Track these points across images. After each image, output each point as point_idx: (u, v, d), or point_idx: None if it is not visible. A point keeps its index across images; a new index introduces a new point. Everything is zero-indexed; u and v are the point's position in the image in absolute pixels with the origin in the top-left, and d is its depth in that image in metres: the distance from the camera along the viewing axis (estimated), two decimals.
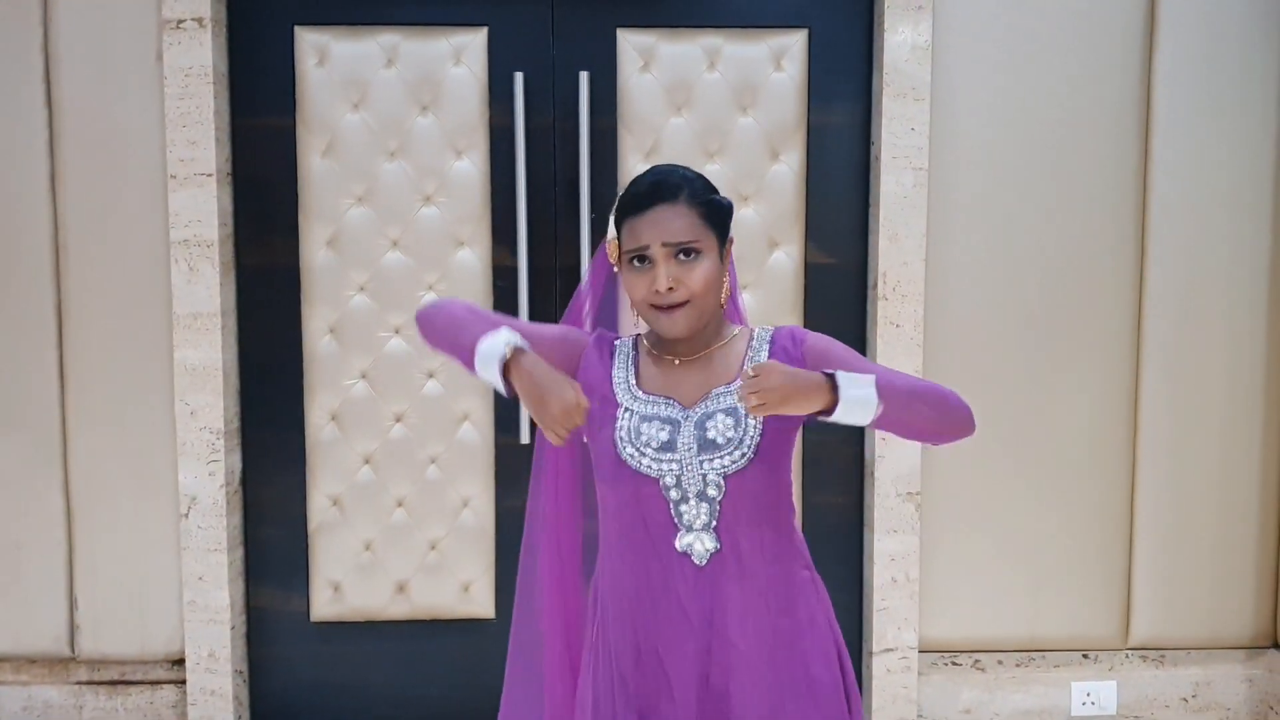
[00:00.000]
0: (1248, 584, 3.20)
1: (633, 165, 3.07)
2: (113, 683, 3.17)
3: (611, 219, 1.79)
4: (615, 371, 1.81)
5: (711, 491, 1.71)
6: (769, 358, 1.76)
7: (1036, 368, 3.14)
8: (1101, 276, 3.12)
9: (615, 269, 1.80)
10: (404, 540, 3.17)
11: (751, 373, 1.58)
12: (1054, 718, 3.20)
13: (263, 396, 3.15)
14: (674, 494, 1.72)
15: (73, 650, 3.16)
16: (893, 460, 3.09)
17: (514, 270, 3.06)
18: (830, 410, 1.62)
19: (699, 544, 1.72)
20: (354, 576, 3.17)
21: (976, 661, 3.20)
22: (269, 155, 3.09)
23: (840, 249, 3.15)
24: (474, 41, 3.04)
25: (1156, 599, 3.19)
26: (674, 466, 1.71)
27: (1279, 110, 3.09)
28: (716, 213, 1.76)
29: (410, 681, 3.22)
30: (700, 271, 1.71)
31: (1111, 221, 3.11)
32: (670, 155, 3.05)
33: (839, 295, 3.16)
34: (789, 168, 3.10)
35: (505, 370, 1.70)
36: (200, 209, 3.01)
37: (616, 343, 1.86)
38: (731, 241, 1.80)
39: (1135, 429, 3.16)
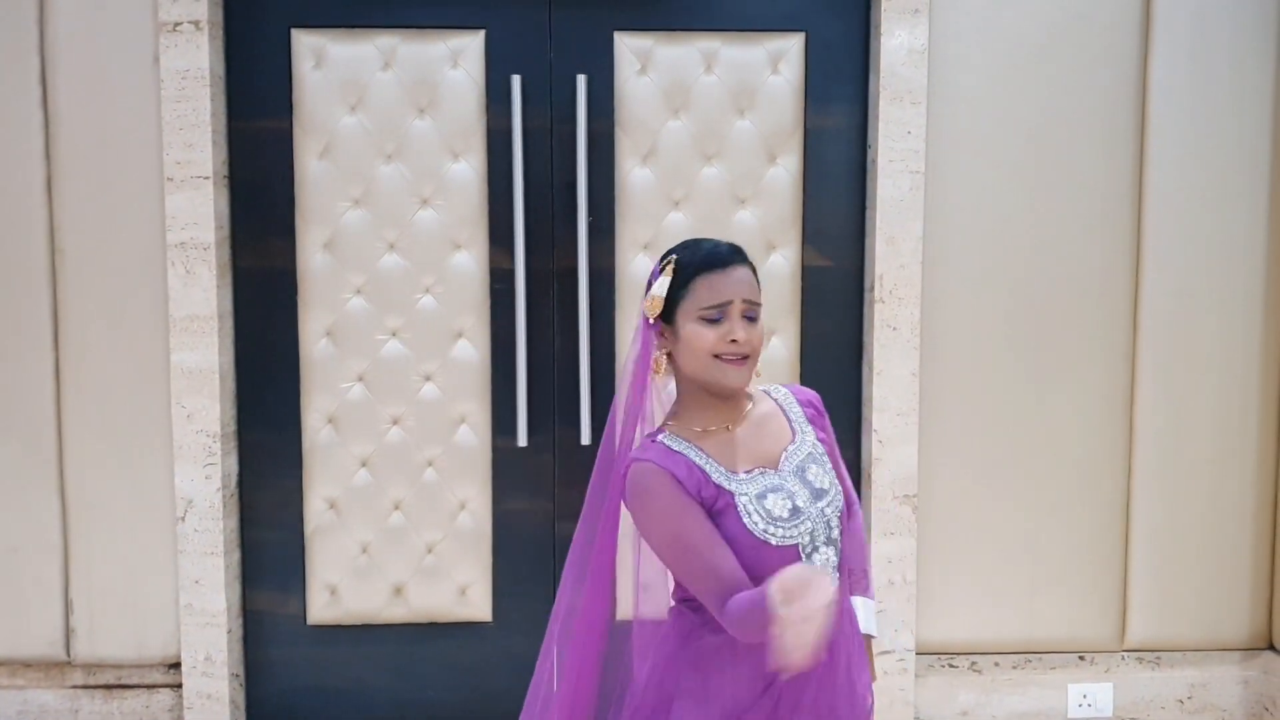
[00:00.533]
0: (1243, 586, 3.21)
1: (630, 168, 3.07)
2: (109, 686, 3.16)
3: (667, 275, 1.85)
4: (705, 469, 1.82)
5: (835, 534, 1.86)
6: (797, 406, 1.96)
7: (1032, 370, 3.14)
8: (1097, 279, 3.13)
9: (651, 321, 1.87)
10: (401, 543, 3.16)
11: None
12: (1051, 719, 3.21)
13: (259, 399, 3.15)
14: (808, 549, 1.83)
15: (68, 654, 3.15)
16: (890, 463, 3.10)
17: (511, 273, 3.06)
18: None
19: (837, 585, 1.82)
20: (351, 579, 3.17)
21: (973, 664, 3.20)
22: (266, 158, 3.08)
23: (837, 252, 3.15)
24: (471, 44, 3.05)
25: (1152, 601, 3.20)
26: (807, 526, 1.82)
27: (1274, 110, 3.11)
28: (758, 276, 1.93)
29: (407, 685, 3.21)
30: (760, 333, 1.86)
31: (1107, 224, 3.12)
32: (668, 158, 3.06)
33: (836, 298, 3.16)
34: (786, 171, 3.11)
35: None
36: (197, 211, 3.00)
37: (673, 446, 1.84)
38: None
39: (1131, 432, 3.16)
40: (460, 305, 3.10)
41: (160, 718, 3.16)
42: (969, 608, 3.18)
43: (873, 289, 3.09)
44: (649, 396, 1.96)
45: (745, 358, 1.84)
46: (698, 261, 1.86)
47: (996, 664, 3.21)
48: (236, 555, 3.16)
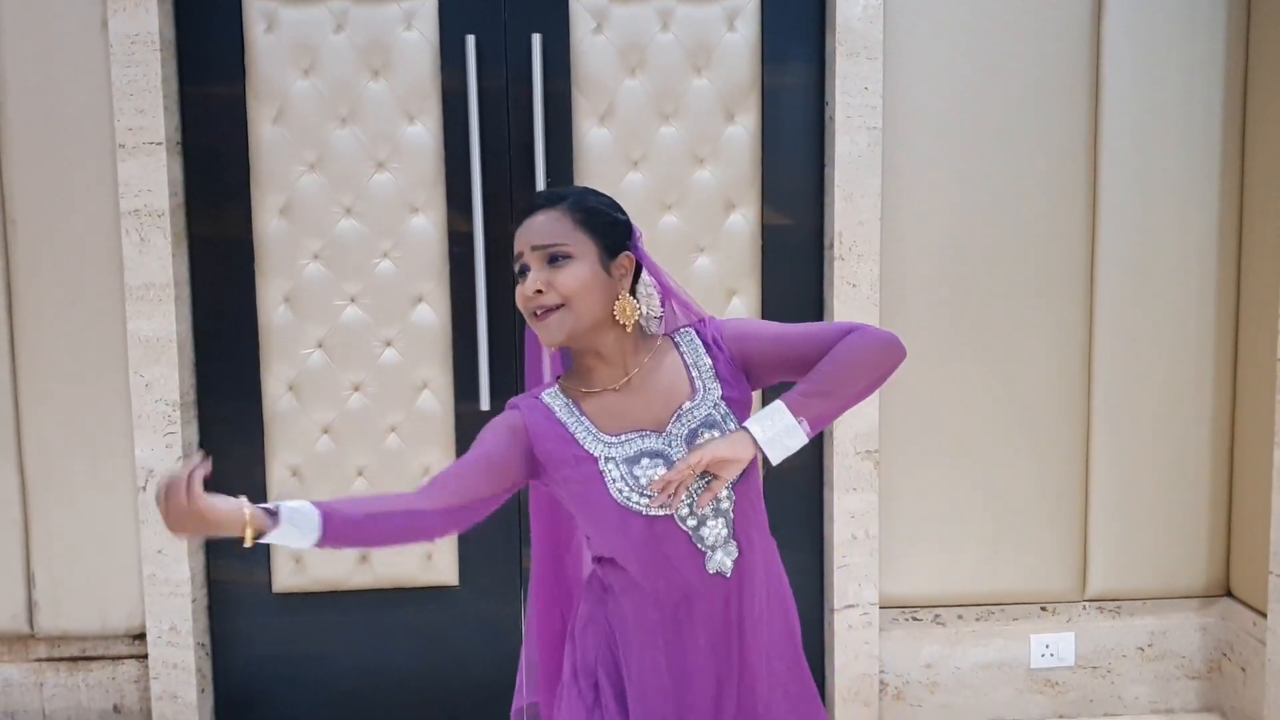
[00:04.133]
0: (1200, 535, 3.25)
1: (587, 129, 3.06)
2: (73, 659, 3.15)
3: None
4: (571, 428, 1.76)
5: (724, 505, 1.76)
6: (706, 357, 1.79)
7: (991, 326, 3.16)
8: (1055, 233, 3.15)
9: None
10: None
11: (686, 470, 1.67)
12: (1014, 670, 3.25)
13: (218, 368, 3.13)
14: (691, 522, 1.74)
15: (31, 628, 3.13)
16: (851, 419, 3.11)
17: (470, 236, 3.05)
18: (754, 452, 1.72)
19: (726, 559, 1.77)
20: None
21: (937, 616, 3.24)
22: (219, 123, 3.05)
23: (796, 210, 3.15)
24: (425, 5, 3.02)
25: (1112, 551, 3.23)
26: (684, 497, 1.72)
27: (1226, 69, 3.12)
28: (596, 222, 1.76)
29: (374, 651, 3.22)
30: (570, 274, 1.71)
31: (1064, 178, 3.13)
32: (625, 118, 3.05)
33: (796, 257, 3.17)
34: (744, 129, 3.10)
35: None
36: (150, 179, 2.97)
37: (546, 401, 1.79)
38: (627, 259, 1.79)
39: (1089, 384, 3.19)
40: (419, 270, 3.09)
41: (126, 689, 3.15)
42: (932, 561, 3.21)
43: (832, 246, 3.10)
44: (545, 363, 1.91)
45: (556, 308, 1.71)
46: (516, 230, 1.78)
47: (960, 616, 3.24)
48: None
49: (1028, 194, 3.13)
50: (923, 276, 3.14)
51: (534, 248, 1.73)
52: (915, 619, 3.23)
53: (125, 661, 3.15)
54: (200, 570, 3.14)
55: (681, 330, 1.84)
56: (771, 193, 3.13)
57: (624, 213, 1.83)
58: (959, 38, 3.07)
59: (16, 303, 3.03)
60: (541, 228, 1.74)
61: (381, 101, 3.03)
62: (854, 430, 3.11)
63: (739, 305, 3.14)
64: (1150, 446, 3.22)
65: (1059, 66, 3.10)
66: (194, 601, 3.10)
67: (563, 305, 1.71)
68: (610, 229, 1.78)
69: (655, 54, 3.05)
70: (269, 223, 3.06)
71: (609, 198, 1.83)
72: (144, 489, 3.04)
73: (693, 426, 1.76)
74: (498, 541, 3.17)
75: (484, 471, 1.72)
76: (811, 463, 3.21)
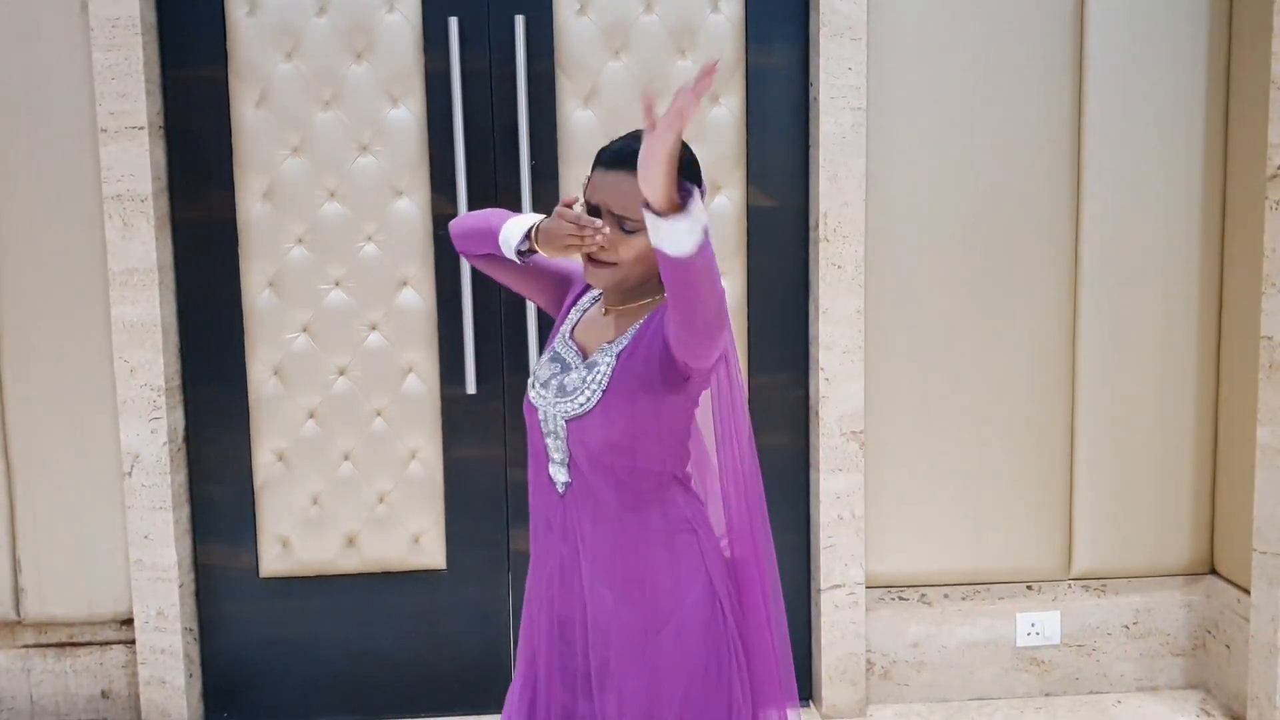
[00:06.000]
0: (1185, 513, 3.27)
1: (571, 110, 3.05)
2: (61, 645, 3.14)
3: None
4: (572, 313, 1.95)
5: (561, 431, 1.84)
6: (637, 333, 1.80)
7: (976, 304, 3.17)
8: (1038, 212, 3.15)
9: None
10: (352, 494, 3.16)
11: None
12: (1000, 649, 3.27)
13: (203, 352, 3.12)
14: (546, 426, 1.87)
15: (18, 614, 3.13)
16: (837, 400, 3.12)
17: (454, 218, 3.03)
18: (665, 210, 1.55)
19: (559, 475, 1.86)
20: (302, 531, 3.16)
21: (923, 596, 3.25)
22: (201, 107, 3.04)
23: (781, 191, 3.15)
24: None
25: (1097, 531, 3.25)
26: (545, 403, 1.86)
27: (1208, 44, 3.12)
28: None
29: (362, 635, 3.22)
30: (633, 249, 1.77)
31: (1048, 158, 3.14)
32: (609, 100, 3.04)
33: (781, 237, 3.17)
34: (729, 111, 3.10)
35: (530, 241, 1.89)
36: (133, 163, 2.96)
37: (593, 291, 1.97)
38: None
39: (1074, 363, 3.20)
40: (404, 253, 3.08)
41: (114, 674, 3.15)
42: (917, 541, 3.22)
43: (817, 227, 3.10)
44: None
45: (610, 265, 1.78)
46: (601, 152, 1.82)
47: (946, 595, 3.25)
48: (186, 509, 3.14)
49: (1012, 173, 3.13)
50: (908, 257, 3.14)
51: (611, 212, 1.77)
52: (901, 598, 3.25)
53: (113, 647, 3.14)
54: (187, 555, 3.14)
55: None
56: (756, 174, 3.13)
57: (698, 172, 1.79)
58: (943, 18, 3.07)
59: (0, 289, 3.02)
60: (626, 196, 1.73)
61: (364, 84, 3.02)
62: (839, 411, 3.12)
63: (725, 287, 3.13)
64: (1135, 426, 3.23)
65: (1043, 46, 3.10)
66: (181, 586, 3.10)
67: (615, 265, 1.79)
68: (683, 196, 1.70)
69: (639, 35, 3.04)
70: (252, 206, 3.05)
71: (690, 156, 1.77)
72: (129, 474, 3.04)
73: (584, 362, 1.85)
74: (485, 525, 3.18)
75: (544, 266, 1.99)
76: (797, 444, 3.22)
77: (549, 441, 1.86)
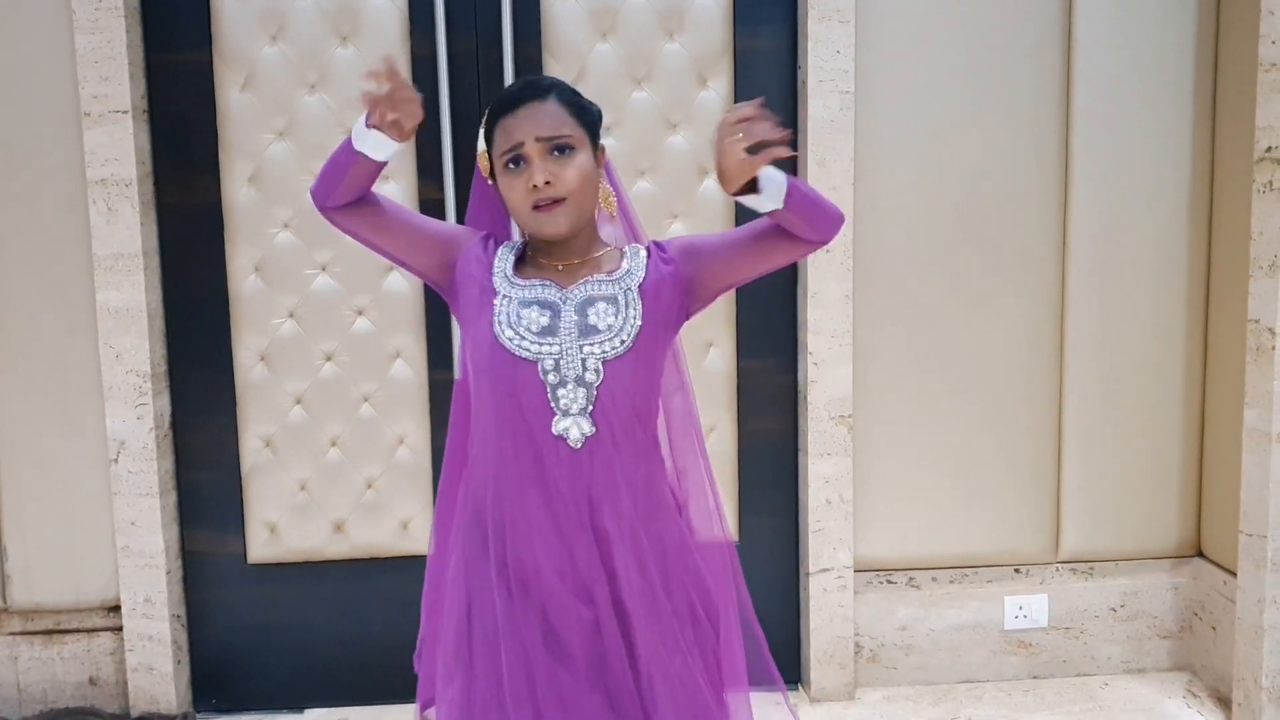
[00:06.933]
0: (1172, 495, 3.28)
1: None
2: (48, 632, 3.13)
3: (481, 132, 1.82)
4: (496, 263, 1.82)
5: (590, 376, 1.73)
6: (646, 272, 1.80)
7: (964, 288, 3.17)
8: (1027, 195, 3.15)
9: (491, 183, 1.83)
10: (340, 480, 3.15)
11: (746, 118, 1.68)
12: (988, 631, 3.28)
13: (189, 338, 3.10)
14: (552, 378, 1.73)
15: (4, 601, 3.11)
16: (825, 385, 3.12)
17: (441, 204, 3.03)
18: (754, 187, 1.70)
19: (575, 429, 1.73)
20: (290, 517, 3.15)
21: (911, 579, 3.26)
22: (186, 90, 3.02)
23: None
24: None
25: (1085, 513, 3.26)
26: (554, 350, 1.73)
27: (1196, 27, 3.12)
28: (586, 114, 1.79)
29: (351, 621, 3.21)
30: (575, 167, 1.74)
31: (1037, 138, 3.13)
32: (597, 82, 3.02)
33: None
34: (717, 94, 3.09)
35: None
36: (117, 147, 2.93)
37: (505, 242, 1.88)
38: (604, 151, 1.84)
39: (1062, 347, 3.21)
40: None
41: (102, 661, 3.14)
42: (906, 525, 3.23)
43: None
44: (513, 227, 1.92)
45: (559, 200, 1.73)
46: (494, 106, 1.79)
47: (934, 579, 3.26)
48: (173, 496, 3.13)
49: (1001, 157, 3.13)
50: (896, 240, 3.14)
51: (539, 139, 1.72)
52: (890, 582, 3.25)
53: (100, 634, 3.13)
54: (174, 542, 3.13)
55: (632, 246, 1.87)
56: None
57: (597, 122, 1.85)
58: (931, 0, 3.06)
59: None
60: (545, 118, 1.73)
61: (350, 67, 3.00)
62: (828, 395, 3.12)
63: None
64: (1122, 409, 3.24)
65: (1032, 30, 3.09)
66: (168, 573, 3.09)
67: (564, 199, 1.73)
68: (595, 119, 1.82)
69: (627, 17, 3.03)
70: (238, 191, 3.04)
71: (596, 111, 1.84)
72: (115, 460, 3.02)
73: (591, 295, 1.77)
74: None
75: (421, 224, 1.86)
76: (786, 429, 3.22)
77: (561, 392, 1.72)
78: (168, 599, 3.08)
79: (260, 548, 3.17)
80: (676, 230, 3.10)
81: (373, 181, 1.81)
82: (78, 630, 3.14)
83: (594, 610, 1.76)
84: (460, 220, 2.93)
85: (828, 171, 3.05)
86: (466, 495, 1.85)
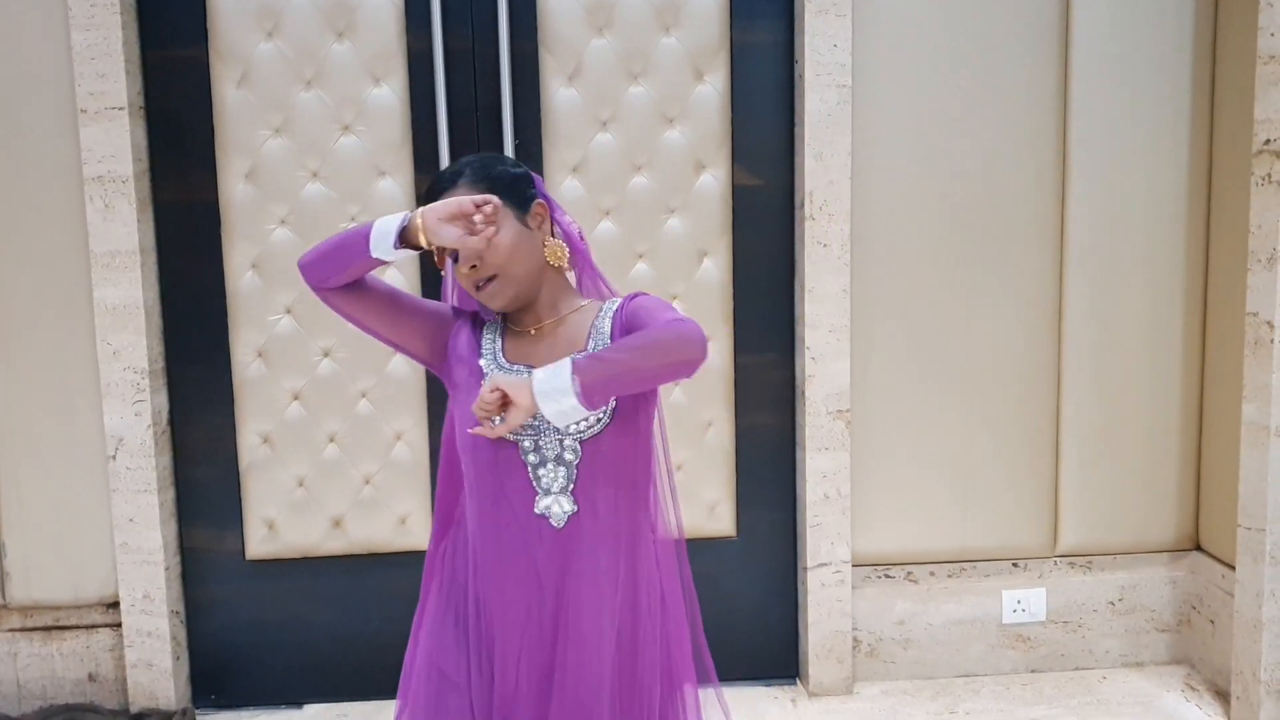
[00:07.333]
0: (1170, 489, 3.27)
1: (555, 89, 3.03)
2: (47, 628, 3.14)
3: None
4: (484, 343, 1.86)
5: (569, 456, 1.77)
6: (610, 327, 1.81)
7: (962, 283, 3.17)
8: (1025, 188, 3.14)
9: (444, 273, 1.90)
10: (337, 476, 3.15)
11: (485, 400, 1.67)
12: (986, 626, 3.28)
13: (187, 334, 3.10)
14: (532, 458, 1.77)
15: (4, 598, 3.12)
16: (823, 380, 3.12)
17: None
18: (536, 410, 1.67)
19: (557, 507, 1.78)
20: (288, 514, 3.15)
21: (909, 574, 3.26)
22: (182, 87, 3.01)
23: (767, 170, 3.14)
24: None
25: (1083, 507, 3.26)
26: (532, 431, 1.76)
27: (1194, 16, 3.11)
28: (499, 181, 1.80)
29: (349, 616, 3.22)
30: (504, 240, 1.76)
31: (1034, 134, 3.13)
32: (593, 78, 3.02)
33: (767, 217, 3.15)
34: (713, 89, 3.08)
35: (404, 236, 1.74)
36: (113, 144, 2.93)
37: (488, 320, 1.91)
38: (542, 206, 1.84)
39: (1060, 341, 3.20)
40: None
41: (101, 658, 3.14)
42: (904, 519, 3.23)
43: (803, 206, 3.09)
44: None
45: (492, 278, 1.77)
46: (431, 188, 1.81)
47: (932, 573, 3.26)
48: (171, 492, 3.13)
49: (998, 151, 3.12)
50: (894, 235, 3.13)
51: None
52: (888, 576, 3.25)
53: (99, 630, 3.14)
54: (173, 538, 3.13)
55: (610, 299, 1.89)
56: (741, 152, 3.12)
57: (519, 165, 1.88)
58: None
59: None
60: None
61: (346, 63, 3.00)
62: (825, 390, 3.12)
63: (710, 266, 3.13)
64: (1120, 403, 3.23)
65: (1029, 23, 3.09)
66: (167, 569, 3.09)
67: (496, 276, 1.78)
68: (514, 185, 1.83)
69: (623, 12, 3.02)
70: (235, 187, 3.03)
71: (499, 154, 1.89)
72: (113, 457, 3.03)
73: None
74: None
75: (412, 309, 1.87)
76: (784, 424, 3.22)
77: (540, 472, 1.77)
78: (166, 595, 3.09)
79: (258, 544, 3.17)
80: (674, 226, 3.10)
81: (371, 270, 1.82)
82: (77, 626, 3.14)
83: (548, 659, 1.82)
84: None
85: (825, 166, 3.05)
86: (451, 554, 1.91)
